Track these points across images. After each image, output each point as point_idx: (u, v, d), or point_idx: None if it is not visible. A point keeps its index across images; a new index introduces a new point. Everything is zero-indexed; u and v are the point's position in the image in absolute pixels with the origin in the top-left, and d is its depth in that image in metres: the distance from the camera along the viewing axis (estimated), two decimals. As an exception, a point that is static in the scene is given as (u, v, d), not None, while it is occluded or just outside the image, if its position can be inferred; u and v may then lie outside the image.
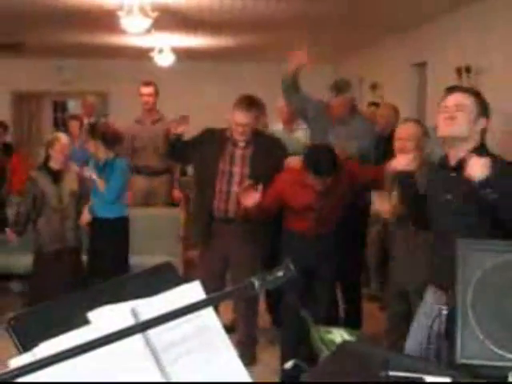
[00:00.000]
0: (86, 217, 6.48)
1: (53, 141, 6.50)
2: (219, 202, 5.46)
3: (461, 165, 3.32)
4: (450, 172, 3.46)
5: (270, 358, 5.68)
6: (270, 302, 6.61)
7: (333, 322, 5.08)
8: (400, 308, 4.84)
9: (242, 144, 5.46)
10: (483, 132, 3.47)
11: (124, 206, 6.65)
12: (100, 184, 6.43)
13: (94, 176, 6.44)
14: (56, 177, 6.44)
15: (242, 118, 5.36)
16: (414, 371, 1.99)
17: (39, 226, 6.42)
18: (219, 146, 5.48)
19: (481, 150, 3.42)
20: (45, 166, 6.48)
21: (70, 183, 6.47)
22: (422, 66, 9.77)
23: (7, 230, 6.64)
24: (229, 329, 5.92)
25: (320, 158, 4.92)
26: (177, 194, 8.05)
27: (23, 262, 6.91)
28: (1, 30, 10.41)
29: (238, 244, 5.52)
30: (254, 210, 5.07)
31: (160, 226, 7.68)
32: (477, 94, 3.53)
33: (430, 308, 3.49)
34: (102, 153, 6.47)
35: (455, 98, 3.42)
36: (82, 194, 6.54)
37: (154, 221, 7.63)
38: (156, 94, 8.05)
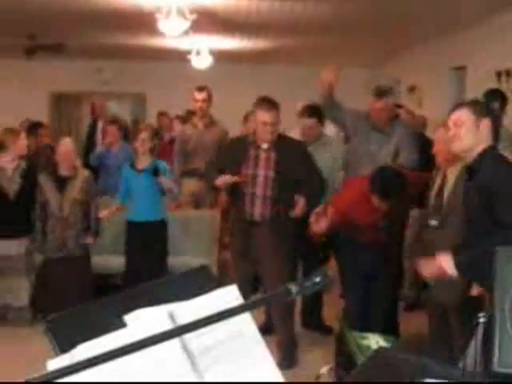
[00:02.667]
0: (107, 214, 6.50)
1: (57, 146, 6.51)
2: (246, 205, 5.47)
3: (470, 171, 3.59)
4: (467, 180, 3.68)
5: (310, 362, 5.66)
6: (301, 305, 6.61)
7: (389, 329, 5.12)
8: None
9: (265, 146, 5.45)
10: (492, 131, 3.62)
11: (164, 208, 6.68)
12: (170, 184, 6.46)
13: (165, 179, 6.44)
14: (61, 184, 6.44)
15: (268, 116, 5.36)
16: (451, 379, 1.97)
17: (47, 231, 6.47)
18: (243, 151, 5.48)
19: (488, 152, 3.56)
20: (52, 172, 6.51)
21: (74, 191, 6.44)
22: (461, 69, 9.69)
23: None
24: (262, 330, 5.97)
25: (388, 183, 4.92)
26: (222, 198, 7.94)
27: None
28: (42, 31, 10.53)
29: (266, 247, 5.49)
30: (321, 234, 5.13)
31: (194, 228, 7.69)
32: (471, 103, 3.75)
33: None
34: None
35: (453, 118, 3.65)
36: (90, 201, 6.52)
37: (189, 223, 7.64)
38: (209, 98, 8.07)
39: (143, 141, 6.52)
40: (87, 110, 15.76)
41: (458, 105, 3.91)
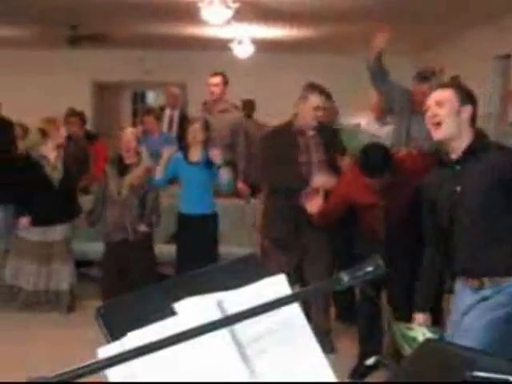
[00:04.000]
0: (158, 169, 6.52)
1: (117, 136, 6.63)
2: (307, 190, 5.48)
3: (464, 157, 3.49)
4: (455, 166, 3.54)
5: (347, 347, 5.71)
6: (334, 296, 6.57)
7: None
8: None
9: (311, 133, 5.54)
10: (472, 119, 3.55)
11: (214, 201, 6.70)
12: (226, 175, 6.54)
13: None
14: (122, 170, 6.53)
15: (319, 101, 5.47)
16: (501, 372, 1.94)
17: (106, 216, 6.55)
18: (291, 140, 5.54)
19: (481, 143, 3.52)
20: (117, 160, 6.63)
21: (132, 177, 6.51)
22: (505, 58, 9.54)
23: (81, 217, 6.83)
24: None
25: (370, 159, 4.85)
26: (241, 185, 7.91)
27: (100, 248, 6.99)
28: (85, 21, 10.60)
29: (314, 235, 5.54)
30: (319, 215, 5.10)
31: (235, 217, 7.69)
32: (456, 87, 3.68)
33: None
34: None
35: (434, 96, 3.61)
36: (148, 189, 6.58)
37: (229, 211, 7.63)
38: (224, 83, 8.02)
39: (195, 132, 6.53)
40: (129, 99, 15.87)
41: (442, 85, 3.86)
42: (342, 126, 6.88)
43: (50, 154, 6.80)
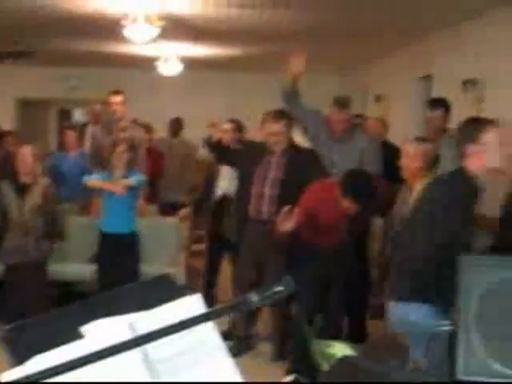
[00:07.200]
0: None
1: (16, 154, 6.49)
2: (254, 203, 5.79)
3: None
4: None
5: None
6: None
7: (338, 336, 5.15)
8: None
9: (278, 152, 5.78)
10: None
11: (135, 221, 6.67)
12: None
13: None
14: (21, 190, 6.38)
15: (274, 127, 5.72)
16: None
17: (6, 238, 6.40)
18: (258, 155, 5.85)
19: None
20: (13, 178, 6.45)
21: (34, 197, 6.37)
22: (427, 78, 9.76)
23: None
24: (226, 336, 6.10)
25: (360, 186, 4.95)
26: (141, 203, 7.76)
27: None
28: (10, 38, 10.43)
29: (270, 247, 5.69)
30: (287, 233, 5.18)
31: (160, 236, 7.64)
32: None
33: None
34: None
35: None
36: (49, 208, 6.44)
37: (153, 230, 7.59)
38: (124, 102, 8.09)
39: (121, 155, 6.51)
40: (54, 117, 15.65)
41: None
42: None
43: None
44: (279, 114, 5.80)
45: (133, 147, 6.72)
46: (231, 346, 6.01)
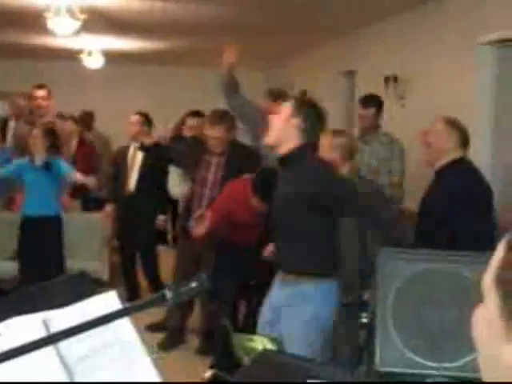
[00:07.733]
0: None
1: None
2: (194, 204, 5.79)
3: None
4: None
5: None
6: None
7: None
8: None
9: (217, 152, 5.77)
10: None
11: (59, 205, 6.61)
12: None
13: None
14: None
15: (211, 132, 5.71)
16: (331, 379, 2.01)
17: None
18: (199, 155, 5.83)
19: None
20: None
21: None
22: (350, 74, 9.89)
23: None
24: (159, 327, 6.24)
25: (269, 185, 4.92)
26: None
27: None
28: None
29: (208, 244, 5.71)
30: (203, 235, 5.25)
31: (84, 230, 7.56)
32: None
33: None
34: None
35: None
36: None
37: (78, 224, 7.50)
38: (49, 96, 7.98)
39: (35, 138, 6.45)
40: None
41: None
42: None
43: None
44: (216, 119, 5.75)
45: (51, 133, 6.60)
46: (164, 338, 6.11)
